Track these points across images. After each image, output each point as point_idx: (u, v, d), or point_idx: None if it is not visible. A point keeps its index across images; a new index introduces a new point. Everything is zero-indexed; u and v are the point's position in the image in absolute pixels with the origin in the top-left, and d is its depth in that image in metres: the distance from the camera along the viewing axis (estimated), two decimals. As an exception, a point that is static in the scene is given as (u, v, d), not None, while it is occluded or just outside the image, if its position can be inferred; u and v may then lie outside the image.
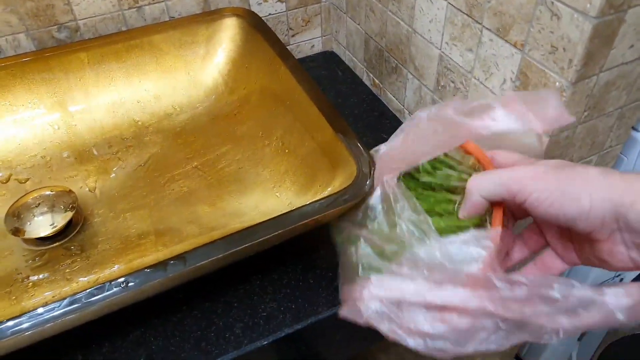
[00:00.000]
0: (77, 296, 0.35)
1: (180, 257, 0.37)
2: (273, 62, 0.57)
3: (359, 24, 0.64)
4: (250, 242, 0.38)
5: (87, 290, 0.35)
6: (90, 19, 0.58)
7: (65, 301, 0.35)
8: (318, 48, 0.73)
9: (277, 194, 0.51)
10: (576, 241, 0.33)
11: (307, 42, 0.72)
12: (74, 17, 0.58)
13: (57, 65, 0.57)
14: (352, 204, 0.40)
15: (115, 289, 0.36)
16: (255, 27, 0.61)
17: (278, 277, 0.47)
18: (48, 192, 0.52)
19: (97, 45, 0.58)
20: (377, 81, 0.65)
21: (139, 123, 0.59)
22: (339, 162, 0.45)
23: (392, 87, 0.62)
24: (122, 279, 0.36)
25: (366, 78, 0.68)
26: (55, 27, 0.57)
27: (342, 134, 0.46)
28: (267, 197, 0.51)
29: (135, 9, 0.60)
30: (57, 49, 0.57)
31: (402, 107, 0.61)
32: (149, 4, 0.60)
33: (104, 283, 0.36)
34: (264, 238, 0.38)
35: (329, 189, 0.45)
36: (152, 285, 0.36)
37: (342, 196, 0.40)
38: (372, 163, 0.42)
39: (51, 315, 0.34)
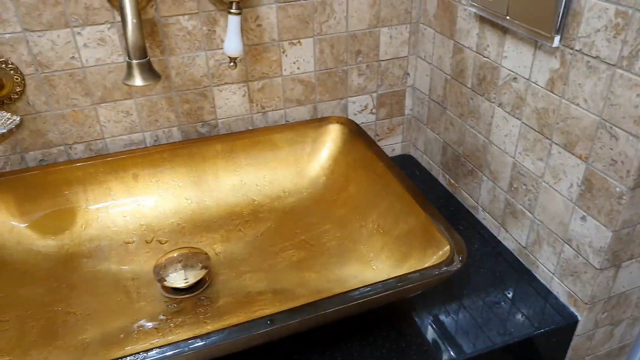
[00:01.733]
0: (221, 332, 0.45)
1: (300, 309, 0.47)
2: (369, 159, 0.70)
3: (437, 134, 0.78)
4: (351, 303, 0.47)
5: (230, 327, 0.45)
6: (227, 119, 0.74)
7: (215, 335, 0.45)
8: (398, 151, 0.87)
9: (374, 266, 0.60)
10: None
11: (389, 146, 0.86)
12: (215, 117, 0.74)
13: (197, 152, 0.72)
14: (444, 277, 0.49)
15: (261, 326, 0.45)
16: (354, 132, 0.75)
17: (374, 340, 0.56)
18: (185, 252, 0.64)
19: (230, 139, 0.73)
20: (452, 181, 0.76)
21: (256, 202, 0.72)
22: (431, 242, 0.55)
23: (467, 187, 0.73)
24: (267, 318, 0.46)
25: (442, 178, 0.79)
26: (200, 123, 0.73)
27: (434, 218, 0.56)
28: (365, 269, 0.61)
29: (261, 113, 0.75)
30: (199, 141, 0.73)
31: (477, 204, 0.72)
32: (272, 110, 0.76)
33: (247, 321, 0.46)
34: (363, 300, 0.48)
35: (422, 263, 0.55)
36: (295, 324, 0.46)
37: (435, 270, 0.50)
38: (462, 244, 0.52)
39: (199, 344, 0.44)
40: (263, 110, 0.76)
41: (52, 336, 0.54)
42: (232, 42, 0.64)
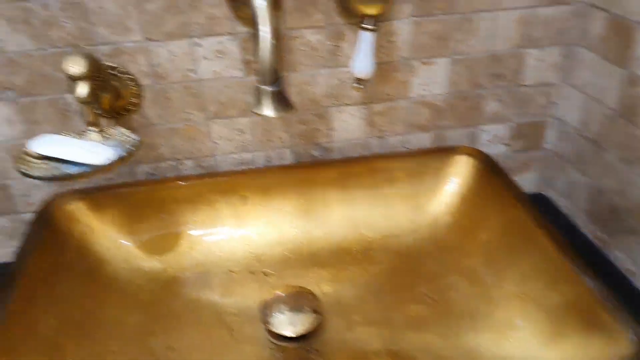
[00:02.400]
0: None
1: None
2: (506, 202, 0.60)
3: (587, 177, 0.66)
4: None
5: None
6: (342, 143, 0.67)
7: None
8: (530, 190, 0.76)
9: (512, 339, 0.51)
10: None
11: (520, 184, 0.75)
12: (330, 140, 0.67)
13: (309, 177, 0.66)
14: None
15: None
16: (487, 166, 0.65)
17: None
18: (294, 291, 0.58)
19: (344, 165, 0.66)
20: (602, 235, 0.64)
21: (368, 238, 0.65)
22: (597, 325, 0.45)
23: (624, 246, 0.61)
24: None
25: (586, 228, 0.67)
26: (314, 145, 0.67)
27: (602, 294, 0.46)
28: (502, 341, 0.51)
29: (379, 138, 0.68)
30: (312, 165, 0.66)
31: (634, 269, 0.59)
32: (393, 135, 0.68)
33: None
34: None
35: (583, 351, 0.45)
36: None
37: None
38: None
39: None
40: (381, 136, 0.68)
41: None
42: (363, 62, 0.57)
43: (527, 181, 0.75)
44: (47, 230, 0.58)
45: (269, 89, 0.43)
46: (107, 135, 0.51)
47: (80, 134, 0.51)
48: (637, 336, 0.41)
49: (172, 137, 0.63)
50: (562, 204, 0.72)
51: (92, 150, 0.47)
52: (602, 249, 0.65)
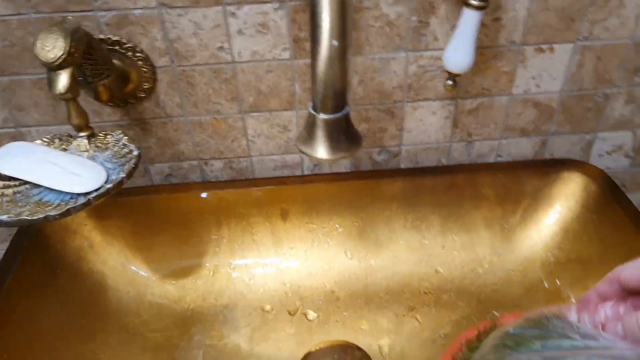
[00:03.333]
0: None
1: None
2: (628, 237, 0.45)
3: None
4: None
5: None
6: (414, 147, 0.52)
7: None
8: (649, 212, 0.59)
9: None
10: None
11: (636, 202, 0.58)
12: (399, 142, 0.51)
13: (367, 189, 0.51)
14: None
15: None
16: (604, 190, 0.49)
17: None
18: (341, 346, 0.45)
19: (415, 175, 0.51)
20: None
21: (440, 275, 0.51)
22: None
23: None
24: None
25: None
26: (378, 149, 0.52)
27: None
28: None
29: (465, 142, 0.52)
30: (373, 173, 0.51)
31: None
32: (481, 139, 0.52)
33: None
34: None
35: None
36: None
37: None
38: None
39: None
40: (469, 140, 0.52)
41: None
42: (460, 51, 0.40)
43: (644, 201, 0.59)
44: (34, 244, 0.46)
45: (325, 116, 0.27)
46: (101, 145, 0.37)
47: (67, 139, 0.38)
48: None
49: (196, 132, 0.49)
50: (694, 239, 0.56)
51: (74, 170, 0.34)
52: None
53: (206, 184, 0.51)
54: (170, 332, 0.47)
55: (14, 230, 0.47)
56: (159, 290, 0.49)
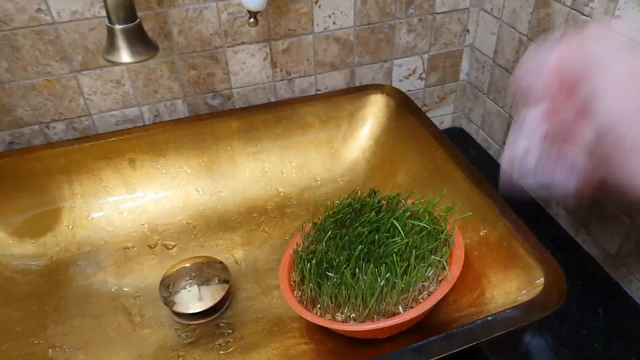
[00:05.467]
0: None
1: None
2: (422, 141, 0.56)
3: (501, 106, 0.63)
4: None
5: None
6: (244, 88, 0.59)
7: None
8: (447, 124, 0.73)
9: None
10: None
11: (437, 118, 0.71)
12: (230, 86, 0.58)
13: (208, 131, 0.58)
14: (539, 317, 0.37)
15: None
16: (402, 104, 0.60)
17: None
18: (199, 262, 0.51)
19: (248, 114, 0.58)
20: (519, 166, 0.63)
21: (282, 194, 0.59)
22: (514, 262, 0.43)
23: (539, 175, 0.60)
24: None
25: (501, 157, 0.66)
26: (211, 94, 0.58)
27: (516, 230, 0.44)
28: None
29: (286, 81, 0.60)
30: (210, 116, 0.58)
31: (549, 196, 0.59)
32: (300, 76, 0.61)
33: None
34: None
35: (502, 291, 0.43)
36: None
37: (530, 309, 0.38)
38: (561, 276, 0.40)
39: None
40: (289, 77, 0.60)
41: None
42: (253, -9, 0.48)
43: (445, 116, 0.72)
44: None
45: (119, 27, 0.33)
46: None
47: None
48: (546, 276, 0.39)
49: (30, 95, 0.52)
50: (479, 136, 0.70)
51: None
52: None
53: (52, 145, 0.53)
54: (37, 282, 0.50)
55: None
56: (19, 250, 0.51)
